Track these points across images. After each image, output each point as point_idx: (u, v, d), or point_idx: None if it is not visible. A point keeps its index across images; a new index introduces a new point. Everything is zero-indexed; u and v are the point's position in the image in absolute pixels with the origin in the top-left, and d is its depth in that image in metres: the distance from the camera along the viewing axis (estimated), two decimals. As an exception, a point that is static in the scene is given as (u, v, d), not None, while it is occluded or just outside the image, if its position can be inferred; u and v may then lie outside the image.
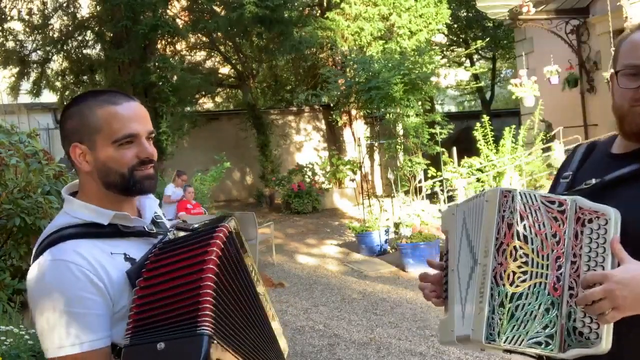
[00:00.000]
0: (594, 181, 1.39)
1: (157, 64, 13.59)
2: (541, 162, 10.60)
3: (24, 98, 16.17)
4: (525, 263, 1.26)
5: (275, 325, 1.51)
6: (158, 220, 1.47)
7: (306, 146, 17.49)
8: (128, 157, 1.31)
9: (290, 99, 18.10)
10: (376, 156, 15.08)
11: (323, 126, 17.59)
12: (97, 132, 1.31)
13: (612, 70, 1.44)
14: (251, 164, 16.73)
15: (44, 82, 15.49)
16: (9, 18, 14.98)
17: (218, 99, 20.45)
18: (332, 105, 14.70)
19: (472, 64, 21.50)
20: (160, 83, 13.57)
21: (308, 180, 14.84)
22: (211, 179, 12.47)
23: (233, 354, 1.24)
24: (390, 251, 9.60)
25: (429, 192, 11.40)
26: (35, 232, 4.19)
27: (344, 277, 8.58)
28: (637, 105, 1.34)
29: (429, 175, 11.21)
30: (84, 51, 15.57)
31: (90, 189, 1.36)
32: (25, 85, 15.57)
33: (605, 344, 1.20)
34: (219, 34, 14.72)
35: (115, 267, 1.28)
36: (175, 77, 13.97)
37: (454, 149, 11.73)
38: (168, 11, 14.67)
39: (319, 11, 15.71)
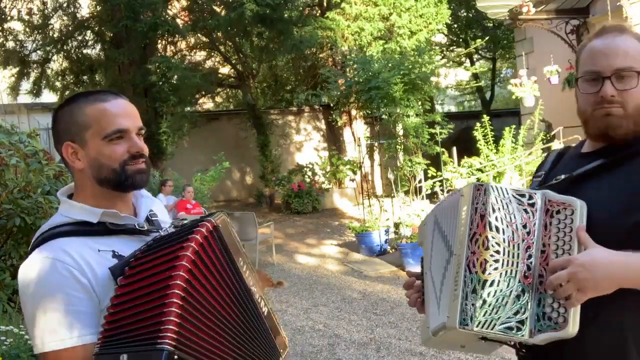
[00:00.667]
0: (563, 177, 1.49)
1: (157, 63, 13.59)
2: (541, 162, 10.59)
3: (24, 98, 16.18)
4: (497, 252, 1.32)
5: (271, 321, 1.48)
6: (153, 219, 1.47)
7: (306, 146, 17.48)
8: (119, 152, 1.34)
9: (290, 99, 18.10)
10: (376, 156, 15.08)
11: (323, 126, 17.59)
12: (87, 129, 1.33)
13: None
14: (251, 164, 16.73)
15: (44, 82, 15.51)
16: (9, 18, 14.98)
17: (218, 99, 20.46)
18: (332, 105, 14.70)
19: (472, 63, 21.51)
20: (160, 83, 13.57)
21: (308, 180, 14.84)
22: (211, 179, 12.46)
23: None
24: (390, 251, 9.60)
25: (429, 192, 11.39)
26: (35, 232, 4.19)
27: (344, 277, 8.58)
28: (598, 108, 1.43)
29: (429, 175, 11.21)
30: (84, 51, 15.59)
31: (84, 187, 1.38)
32: (25, 85, 15.58)
33: (573, 327, 1.27)
34: (219, 33, 14.72)
35: (101, 264, 1.29)
36: (175, 77, 13.97)
37: (454, 149, 11.72)
38: (168, 11, 14.67)
39: (319, 11, 15.70)
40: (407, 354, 5.17)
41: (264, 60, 16.35)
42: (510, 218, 1.35)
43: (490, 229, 1.33)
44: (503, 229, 1.34)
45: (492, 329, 1.30)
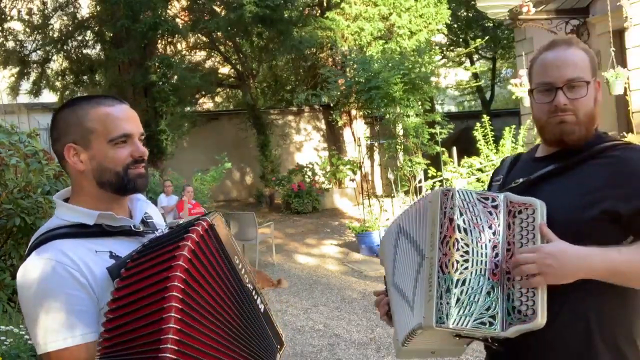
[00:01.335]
0: (521, 180, 1.60)
1: (157, 63, 13.59)
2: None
3: (24, 98, 16.17)
4: (467, 252, 1.41)
5: (268, 318, 1.50)
6: (148, 220, 1.50)
7: (306, 146, 17.48)
8: (123, 155, 1.37)
9: (290, 99, 18.09)
10: (376, 156, 15.08)
11: (323, 126, 17.59)
12: (92, 132, 1.36)
13: (518, 88, 1.66)
14: (251, 164, 16.72)
15: (44, 82, 15.50)
16: (9, 18, 14.98)
17: (218, 99, 20.45)
18: (332, 105, 14.70)
19: (472, 63, 21.51)
20: (160, 83, 13.56)
21: (308, 180, 14.83)
22: (211, 179, 12.46)
23: None
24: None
25: (429, 192, 11.38)
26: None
27: (344, 277, 8.57)
28: (553, 116, 1.55)
29: (429, 175, 11.21)
30: (84, 51, 15.58)
31: (83, 189, 1.40)
32: (25, 85, 15.57)
33: (541, 318, 1.36)
34: (219, 34, 14.71)
35: (99, 265, 1.31)
36: (175, 77, 13.97)
37: (454, 149, 11.72)
38: (168, 11, 14.66)
39: (319, 11, 15.70)
40: (407, 354, 5.17)
41: (264, 60, 16.34)
42: (477, 220, 1.44)
43: (459, 231, 1.42)
44: (470, 231, 1.43)
45: (466, 325, 1.38)
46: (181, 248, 1.23)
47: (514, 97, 11.49)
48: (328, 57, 15.55)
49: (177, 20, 15.10)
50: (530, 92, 1.62)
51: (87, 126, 1.36)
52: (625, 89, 8.14)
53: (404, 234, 1.61)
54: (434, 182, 11.07)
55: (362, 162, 12.58)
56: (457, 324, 1.37)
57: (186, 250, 1.23)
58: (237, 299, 1.36)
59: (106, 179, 1.37)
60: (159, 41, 14.99)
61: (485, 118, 11.14)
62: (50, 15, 15.12)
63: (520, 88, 10.78)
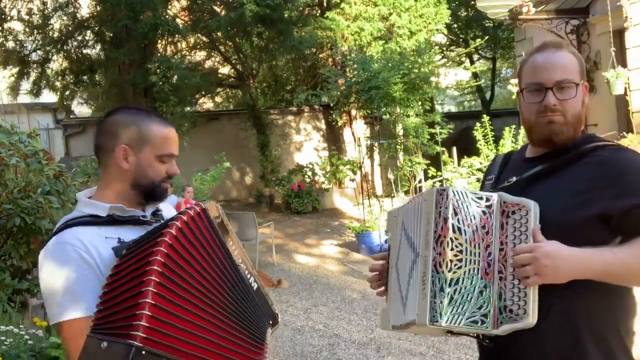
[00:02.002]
0: (514, 179, 1.63)
1: (157, 63, 13.58)
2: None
3: (24, 98, 16.16)
4: (460, 252, 1.44)
5: (261, 297, 1.60)
6: (158, 213, 1.70)
7: (306, 146, 17.48)
8: (162, 170, 1.61)
9: (290, 99, 18.09)
10: (376, 156, 15.07)
11: (323, 126, 17.58)
12: (148, 143, 1.59)
13: (517, 89, 1.70)
14: (251, 164, 16.72)
15: (44, 82, 15.48)
16: (9, 18, 14.97)
17: (218, 99, 20.44)
18: (332, 105, 14.69)
19: (472, 63, 21.50)
20: (161, 83, 13.56)
21: (308, 180, 14.83)
22: (211, 179, 12.46)
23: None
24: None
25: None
26: (35, 232, 4.19)
27: (344, 277, 8.58)
28: (541, 116, 1.58)
29: (429, 175, 11.21)
30: (84, 51, 15.57)
31: (111, 184, 1.61)
32: (25, 85, 15.56)
33: (532, 317, 1.39)
34: (219, 34, 14.70)
35: (107, 248, 1.49)
36: (175, 77, 13.96)
37: (454, 149, 11.72)
38: (168, 11, 14.66)
39: (319, 11, 15.69)
40: (407, 354, 5.17)
41: (264, 60, 16.33)
42: (471, 219, 1.47)
43: (453, 231, 1.44)
44: (464, 230, 1.45)
45: (459, 324, 1.41)
46: (170, 226, 1.39)
47: (514, 97, 11.50)
48: (328, 57, 15.55)
49: (177, 20, 15.09)
50: (520, 93, 1.66)
51: (146, 137, 1.58)
52: (625, 89, 8.15)
53: (403, 226, 1.64)
54: (434, 182, 11.07)
55: (362, 162, 12.58)
56: (450, 322, 1.40)
57: (174, 229, 1.38)
58: (227, 275, 1.49)
59: (142, 184, 1.59)
60: (159, 41, 14.98)
61: (485, 118, 11.14)
62: (50, 15, 15.11)
63: (520, 88, 10.80)
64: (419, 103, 11.05)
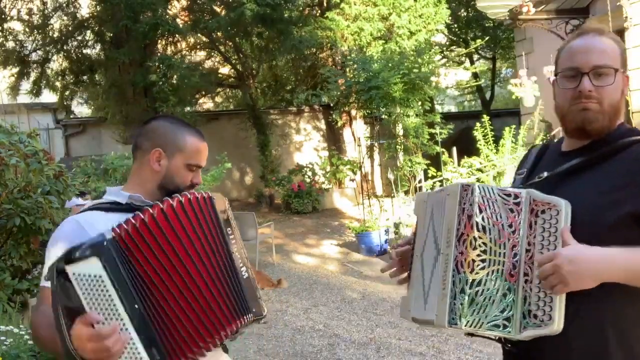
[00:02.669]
0: (545, 174, 1.54)
1: (157, 63, 13.58)
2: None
3: (24, 98, 16.15)
4: (484, 252, 1.37)
5: (250, 288, 1.64)
6: None
7: (306, 146, 17.48)
8: (188, 178, 1.73)
9: (290, 99, 18.09)
10: (376, 156, 15.07)
11: (323, 126, 17.58)
12: (181, 151, 1.72)
13: (552, 77, 1.59)
14: (251, 164, 16.72)
15: (44, 82, 15.47)
16: (9, 18, 14.97)
17: (218, 99, 20.44)
18: (332, 105, 14.69)
19: (472, 63, 21.50)
20: (160, 83, 13.55)
21: (308, 180, 14.83)
22: (211, 179, 12.46)
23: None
24: (391, 251, 9.59)
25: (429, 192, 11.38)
26: (35, 232, 4.19)
27: (344, 277, 8.57)
28: (576, 103, 1.48)
29: (429, 175, 11.21)
30: (84, 51, 15.55)
31: (140, 182, 1.73)
32: (25, 85, 15.56)
33: (558, 324, 1.32)
34: (219, 34, 14.70)
35: (109, 232, 1.58)
36: (175, 77, 13.95)
37: (454, 149, 11.71)
38: (168, 11, 14.66)
39: (319, 11, 15.69)
40: (407, 354, 5.17)
41: (264, 60, 16.33)
42: (496, 217, 1.39)
43: (478, 229, 1.37)
44: (489, 229, 1.38)
45: (479, 328, 1.35)
46: (172, 198, 1.54)
47: (514, 97, 11.51)
48: (328, 57, 15.54)
49: (177, 20, 15.09)
50: (555, 79, 1.56)
51: (181, 145, 1.72)
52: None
53: (432, 215, 1.55)
54: (434, 182, 11.07)
55: (362, 162, 12.57)
56: (470, 325, 1.35)
57: (175, 200, 1.54)
58: (218, 256, 1.57)
59: (168, 187, 1.70)
60: (159, 41, 14.97)
61: (485, 118, 11.14)
62: (50, 15, 15.10)
63: (520, 88, 10.79)
64: (419, 103, 11.05)
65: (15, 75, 15.30)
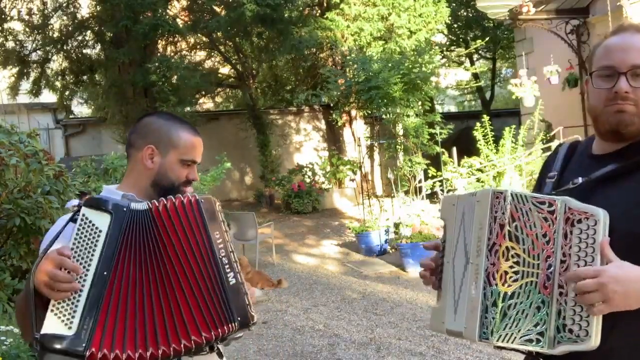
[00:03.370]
0: (580, 180, 1.43)
1: (157, 63, 13.58)
2: (541, 162, 10.56)
3: (24, 98, 16.16)
4: (517, 263, 1.31)
5: (237, 294, 1.58)
6: None
7: (306, 146, 17.48)
8: (183, 174, 1.72)
9: (290, 99, 18.09)
10: (376, 156, 15.07)
11: (323, 126, 17.58)
12: (174, 147, 1.70)
13: (586, 77, 1.50)
14: (251, 164, 16.72)
15: (44, 82, 15.47)
16: (9, 18, 14.96)
17: (218, 99, 20.44)
18: (332, 105, 14.70)
19: (472, 63, 21.50)
20: (160, 83, 13.55)
21: (308, 180, 14.83)
22: (211, 179, 12.45)
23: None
24: (390, 251, 9.60)
25: (429, 192, 11.39)
26: (35, 232, 4.19)
27: (343, 277, 8.58)
28: (610, 104, 1.40)
29: (429, 175, 11.21)
30: (84, 51, 15.55)
31: (136, 181, 1.72)
32: (25, 85, 15.55)
33: (595, 340, 1.25)
34: (219, 34, 14.70)
35: None
36: (175, 77, 13.96)
37: (454, 149, 11.72)
38: (168, 11, 14.66)
39: (319, 11, 15.69)
40: (407, 354, 5.17)
41: (264, 60, 16.33)
42: (530, 227, 1.32)
43: (510, 239, 1.31)
44: (523, 239, 1.31)
45: (512, 342, 1.29)
46: (158, 202, 1.53)
47: (514, 97, 11.51)
48: (328, 57, 15.54)
49: (177, 20, 15.09)
50: (588, 78, 1.47)
51: (174, 141, 1.70)
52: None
53: (463, 219, 1.46)
54: (434, 182, 11.08)
55: (362, 162, 12.57)
56: (502, 340, 1.29)
57: (160, 204, 1.52)
58: (202, 263, 1.52)
59: (162, 184, 1.69)
60: (159, 41, 14.97)
61: (485, 118, 11.14)
62: (50, 15, 15.09)
63: (520, 88, 10.80)
64: (419, 103, 11.05)
65: (15, 75, 15.30)
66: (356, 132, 15.01)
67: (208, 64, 17.47)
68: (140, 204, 1.53)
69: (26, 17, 15.03)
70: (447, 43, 21.54)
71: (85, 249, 1.43)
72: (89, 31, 15.11)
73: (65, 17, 15.15)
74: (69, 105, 16.48)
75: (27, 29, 15.13)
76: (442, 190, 10.68)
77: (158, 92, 13.65)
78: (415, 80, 10.63)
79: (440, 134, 10.43)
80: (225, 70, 17.87)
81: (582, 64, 11.40)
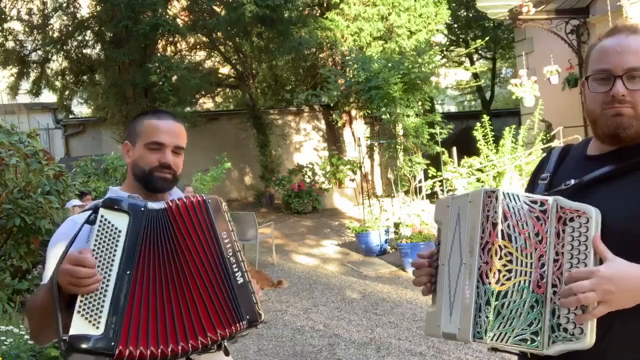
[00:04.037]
0: (573, 182, 1.44)
1: (157, 63, 13.58)
2: (542, 161, 10.56)
3: (24, 98, 16.16)
4: (510, 262, 1.30)
5: (245, 292, 1.62)
6: None
7: (306, 146, 17.48)
8: (152, 159, 1.70)
9: (290, 99, 18.09)
10: (376, 156, 15.07)
11: (323, 126, 17.58)
12: (139, 136, 1.73)
13: (582, 79, 1.49)
14: (251, 164, 16.72)
15: (44, 82, 15.47)
16: (9, 18, 14.96)
17: (218, 99, 20.45)
18: (332, 105, 14.71)
19: (472, 63, 21.50)
20: (160, 83, 13.55)
21: (308, 180, 14.83)
22: (211, 179, 12.46)
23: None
24: (390, 251, 9.59)
25: (429, 192, 11.40)
26: (35, 232, 4.19)
27: (343, 277, 8.58)
28: (608, 108, 1.39)
29: (429, 175, 11.21)
30: (84, 51, 15.54)
31: (128, 178, 1.77)
32: (25, 85, 15.55)
33: (590, 339, 1.24)
34: (218, 34, 14.70)
35: None
36: (175, 77, 13.96)
37: (454, 149, 11.72)
38: (168, 11, 14.65)
39: (319, 11, 15.69)
40: (407, 354, 5.17)
41: (264, 60, 16.33)
42: (522, 225, 1.32)
43: (503, 238, 1.31)
44: (515, 238, 1.31)
45: (506, 342, 1.29)
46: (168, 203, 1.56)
47: (514, 97, 11.51)
48: (328, 57, 15.55)
49: (177, 20, 15.09)
50: (585, 81, 1.47)
51: (138, 130, 1.73)
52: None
53: (459, 220, 1.45)
54: (434, 182, 11.07)
55: (362, 162, 12.58)
56: (496, 339, 1.28)
57: (173, 204, 1.56)
58: (212, 263, 1.55)
59: (137, 174, 1.71)
60: (159, 41, 14.97)
61: (485, 118, 11.15)
62: (50, 15, 15.09)
63: (520, 88, 10.80)
64: (419, 103, 11.06)
65: (15, 75, 15.30)
66: (356, 132, 15.02)
67: (208, 64, 17.47)
68: (157, 204, 1.56)
69: (26, 17, 15.03)
70: (447, 43, 21.55)
71: (107, 249, 1.46)
72: (89, 31, 15.11)
73: (65, 17, 15.15)
74: (69, 105, 16.49)
75: (27, 29, 15.13)
76: (442, 190, 10.68)
77: (158, 92, 13.66)
78: (415, 80, 10.63)
79: (440, 134, 10.44)
80: (225, 70, 17.87)
81: (582, 64, 11.37)
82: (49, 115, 16.52)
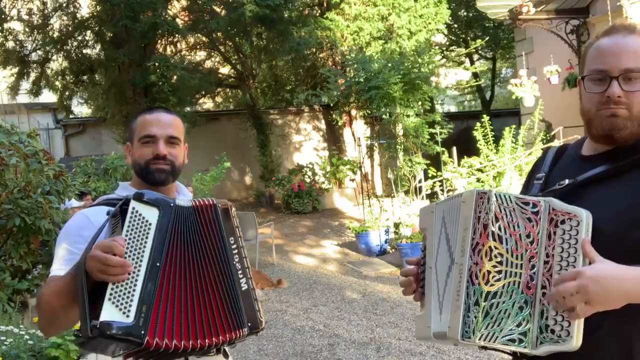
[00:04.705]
0: (567, 182, 1.44)
1: (157, 63, 13.58)
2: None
3: (24, 98, 16.16)
4: (500, 263, 1.31)
5: (248, 299, 1.63)
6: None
7: (306, 146, 17.48)
8: (147, 153, 1.71)
9: (290, 99, 18.09)
10: (376, 156, 15.07)
11: (323, 126, 17.58)
12: (134, 133, 1.75)
13: (579, 77, 1.49)
14: (251, 164, 16.72)
15: (44, 82, 15.47)
16: (9, 18, 14.96)
17: (218, 99, 20.44)
18: (332, 105, 14.71)
19: (472, 63, 21.50)
20: (160, 83, 13.55)
21: (308, 180, 14.83)
22: (211, 179, 12.46)
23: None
24: (390, 251, 9.60)
25: (429, 192, 11.40)
26: (35, 232, 4.19)
27: (343, 277, 8.58)
28: (603, 109, 1.39)
29: (429, 175, 11.21)
30: (84, 51, 15.55)
31: (134, 177, 1.80)
32: (25, 85, 15.56)
33: (576, 341, 1.25)
34: (219, 34, 14.70)
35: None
36: (175, 77, 13.96)
37: (454, 149, 11.72)
38: (168, 11, 14.65)
39: (319, 11, 15.69)
40: (407, 354, 5.17)
41: (264, 61, 16.34)
42: (514, 227, 1.33)
43: (494, 239, 1.32)
44: (506, 239, 1.32)
45: (494, 342, 1.30)
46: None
47: (514, 97, 11.51)
48: (328, 57, 15.55)
49: (177, 20, 15.09)
50: (581, 80, 1.46)
51: (133, 129, 1.76)
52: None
53: (444, 223, 1.47)
54: (434, 182, 11.07)
55: (362, 162, 12.58)
56: (484, 339, 1.29)
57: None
58: (221, 263, 1.58)
59: (137, 170, 1.74)
60: (159, 41, 14.97)
61: (485, 118, 11.14)
62: (50, 15, 15.10)
63: (520, 88, 10.79)
64: (419, 103, 11.06)
65: (15, 75, 15.30)
66: (356, 132, 15.02)
67: (208, 64, 17.47)
68: (184, 201, 1.59)
69: (26, 17, 15.04)
70: (447, 43, 21.54)
71: (138, 240, 1.47)
72: (89, 31, 15.11)
73: (65, 17, 15.15)
74: (69, 105, 16.48)
75: (27, 29, 15.13)
76: (442, 190, 10.68)
77: (158, 92, 13.66)
78: (415, 80, 10.64)
79: (441, 133, 10.44)
80: (225, 70, 17.87)
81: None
82: (49, 115, 16.52)
